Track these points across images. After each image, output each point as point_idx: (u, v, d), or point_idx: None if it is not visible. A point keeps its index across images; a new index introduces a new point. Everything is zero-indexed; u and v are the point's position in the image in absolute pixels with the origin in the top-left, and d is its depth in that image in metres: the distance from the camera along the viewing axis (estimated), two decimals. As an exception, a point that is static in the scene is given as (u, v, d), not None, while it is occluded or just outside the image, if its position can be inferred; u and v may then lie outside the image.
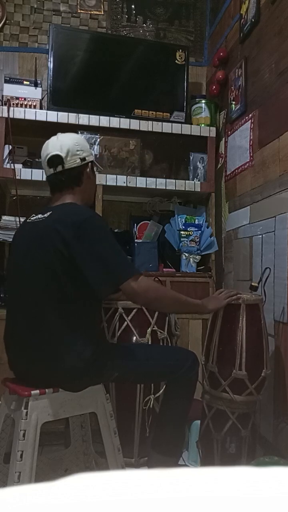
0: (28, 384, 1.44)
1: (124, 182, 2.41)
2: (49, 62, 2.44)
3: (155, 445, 1.63)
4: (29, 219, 1.58)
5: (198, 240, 2.45)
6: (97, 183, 2.30)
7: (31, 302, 1.45)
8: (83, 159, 1.55)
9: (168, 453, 1.61)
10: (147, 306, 1.81)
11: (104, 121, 2.42)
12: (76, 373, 1.42)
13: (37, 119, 2.34)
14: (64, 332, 1.42)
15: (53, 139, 1.56)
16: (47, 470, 1.72)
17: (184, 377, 1.58)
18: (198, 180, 2.55)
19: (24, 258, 1.50)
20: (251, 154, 2.17)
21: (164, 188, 2.47)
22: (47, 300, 1.43)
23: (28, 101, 2.41)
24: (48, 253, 1.41)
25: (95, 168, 1.68)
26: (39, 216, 1.52)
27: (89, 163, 1.59)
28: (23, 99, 2.40)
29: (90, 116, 2.40)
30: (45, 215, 1.50)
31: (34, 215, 1.57)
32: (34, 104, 2.42)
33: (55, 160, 1.52)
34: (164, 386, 1.70)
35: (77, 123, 2.38)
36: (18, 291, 1.52)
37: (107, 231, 1.48)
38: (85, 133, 2.41)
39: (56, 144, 1.54)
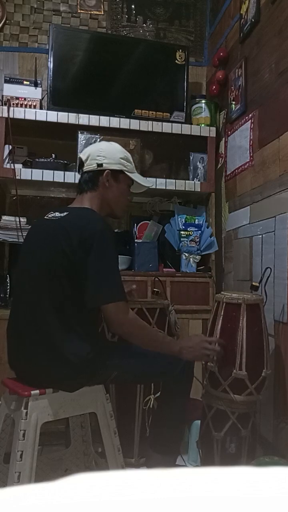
0: (26, 382, 1.45)
1: (124, 182, 2.41)
2: (49, 62, 2.44)
3: (154, 444, 1.64)
4: (47, 216, 1.59)
5: (198, 240, 2.45)
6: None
7: (33, 301, 1.47)
8: (100, 165, 1.58)
9: (167, 452, 1.63)
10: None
11: (104, 121, 2.42)
12: (72, 371, 1.42)
13: (37, 119, 2.34)
14: (62, 330, 1.43)
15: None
16: (47, 470, 1.72)
17: (180, 376, 1.59)
18: (198, 180, 2.54)
19: (31, 257, 1.53)
20: (251, 154, 2.17)
21: (164, 188, 2.46)
22: (48, 299, 1.44)
23: (28, 101, 2.41)
24: (55, 254, 1.43)
25: (130, 182, 1.67)
26: (56, 214, 1.54)
27: (107, 171, 1.58)
28: (23, 99, 2.40)
29: (90, 116, 2.40)
30: (62, 214, 1.52)
31: (52, 212, 1.59)
32: (34, 104, 2.42)
33: (79, 162, 1.65)
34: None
35: (77, 123, 2.37)
36: (21, 289, 1.54)
37: (112, 248, 1.47)
38: (85, 133, 2.41)
39: (86, 149, 1.68)
